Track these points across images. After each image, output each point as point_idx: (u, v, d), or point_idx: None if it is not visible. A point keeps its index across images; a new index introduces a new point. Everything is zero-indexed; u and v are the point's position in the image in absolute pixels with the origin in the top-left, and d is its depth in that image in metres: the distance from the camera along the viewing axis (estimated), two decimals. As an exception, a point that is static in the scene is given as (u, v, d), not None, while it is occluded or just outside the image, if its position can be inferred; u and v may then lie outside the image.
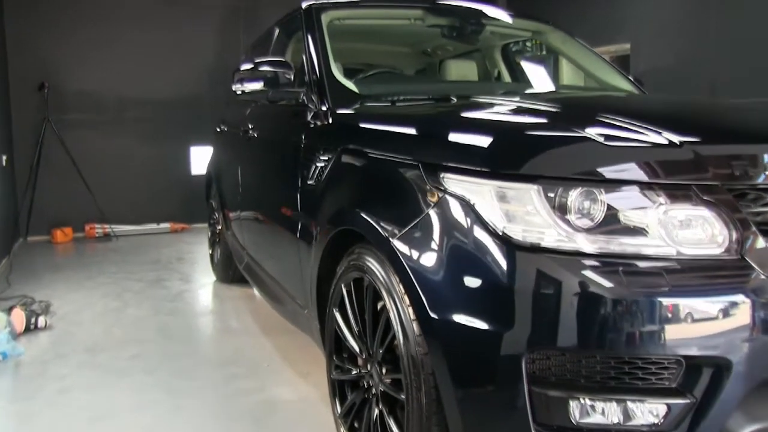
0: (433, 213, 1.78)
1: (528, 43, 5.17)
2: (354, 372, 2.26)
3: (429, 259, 1.76)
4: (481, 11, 3.67)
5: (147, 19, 7.24)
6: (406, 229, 1.84)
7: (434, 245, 1.75)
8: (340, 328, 2.30)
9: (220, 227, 4.79)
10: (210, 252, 5.30)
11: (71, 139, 6.93)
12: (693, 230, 1.57)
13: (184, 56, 7.40)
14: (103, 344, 3.67)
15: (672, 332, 1.50)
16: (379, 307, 2.03)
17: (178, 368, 3.32)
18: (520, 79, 4.03)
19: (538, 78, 3.96)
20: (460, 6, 3.72)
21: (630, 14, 6.18)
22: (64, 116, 6.98)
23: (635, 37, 6.06)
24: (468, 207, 1.69)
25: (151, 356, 3.48)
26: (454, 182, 1.75)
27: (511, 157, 1.71)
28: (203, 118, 6.91)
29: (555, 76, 5.60)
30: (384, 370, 2.04)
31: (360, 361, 2.23)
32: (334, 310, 2.33)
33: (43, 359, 3.44)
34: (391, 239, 1.89)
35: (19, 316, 3.82)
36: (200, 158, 7.23)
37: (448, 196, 1.75)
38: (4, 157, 6.11)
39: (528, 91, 3.45)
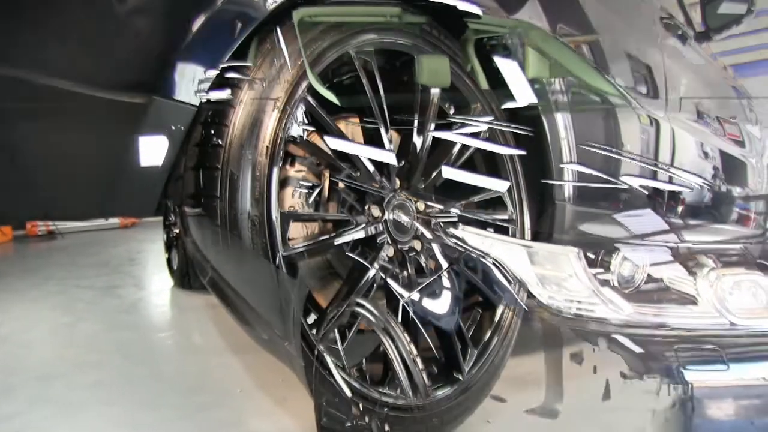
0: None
1: (501, 39, 4.99)
2: (348, 424, 2.08)
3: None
4: (454, 7, 3.45)
5: (88, -1, 6.76)
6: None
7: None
8: (334, 377, 2.10)
9: (177, 230, 4.50)
10: (167, 257, 5.00)
11: (4, 129, 6.41)
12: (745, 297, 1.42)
13: (131, 39, 6.93)
14: (57, 370, 3.35)
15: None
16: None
17: (140, 397, 3.04)
18: (494, 81, 3.84)
19: (515, 82, 3.78)
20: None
21: None
22: (-3, 105, 6.46)
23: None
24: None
25: (110, 383, 3.20)
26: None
27: None
28: (152, 106, 6.50)
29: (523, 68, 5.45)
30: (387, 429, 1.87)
31: (356, 411, 2.04)
32: (327, 357, 2.13)
33: (-12, 395, 3.12)
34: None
35: (-43, 342, 3.48)
36: (150, 149, 6.85)
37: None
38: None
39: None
